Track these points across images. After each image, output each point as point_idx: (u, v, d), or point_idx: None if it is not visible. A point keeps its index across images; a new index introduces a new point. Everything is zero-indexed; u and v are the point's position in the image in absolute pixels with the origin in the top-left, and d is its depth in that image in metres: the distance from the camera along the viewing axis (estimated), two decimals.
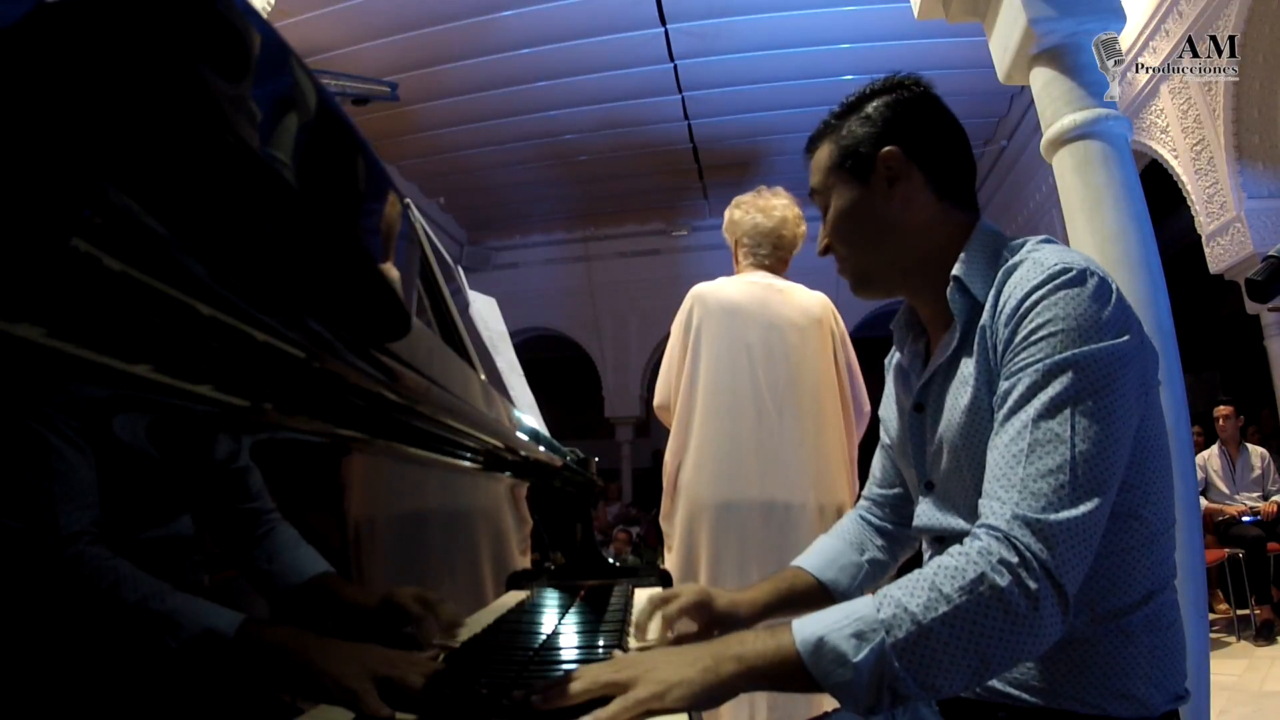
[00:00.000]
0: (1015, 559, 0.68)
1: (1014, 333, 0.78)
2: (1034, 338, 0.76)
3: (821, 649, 0.66)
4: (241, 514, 0.46)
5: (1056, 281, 0.77)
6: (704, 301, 2.04)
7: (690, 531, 1.96)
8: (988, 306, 0.83)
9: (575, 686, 0.65)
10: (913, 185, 0.90)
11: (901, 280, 0.93)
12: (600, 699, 0.65)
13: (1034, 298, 0.77)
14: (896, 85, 0.95)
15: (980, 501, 0.75)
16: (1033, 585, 0.67)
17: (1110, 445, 0.73)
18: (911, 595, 0.68)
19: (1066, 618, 0.69)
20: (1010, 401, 0.76)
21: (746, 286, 2.05)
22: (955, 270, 0.86)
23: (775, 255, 2.11)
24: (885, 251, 0.92)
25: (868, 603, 0.69)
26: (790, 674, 0.67)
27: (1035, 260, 0.81)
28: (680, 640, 0.98)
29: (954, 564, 0.69)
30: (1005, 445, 0.74)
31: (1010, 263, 0.84)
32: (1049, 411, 0.73)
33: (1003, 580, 0.67)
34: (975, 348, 0.83)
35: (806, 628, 0.68)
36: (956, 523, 0.88)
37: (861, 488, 1.20)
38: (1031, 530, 0.69)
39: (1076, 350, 0.74)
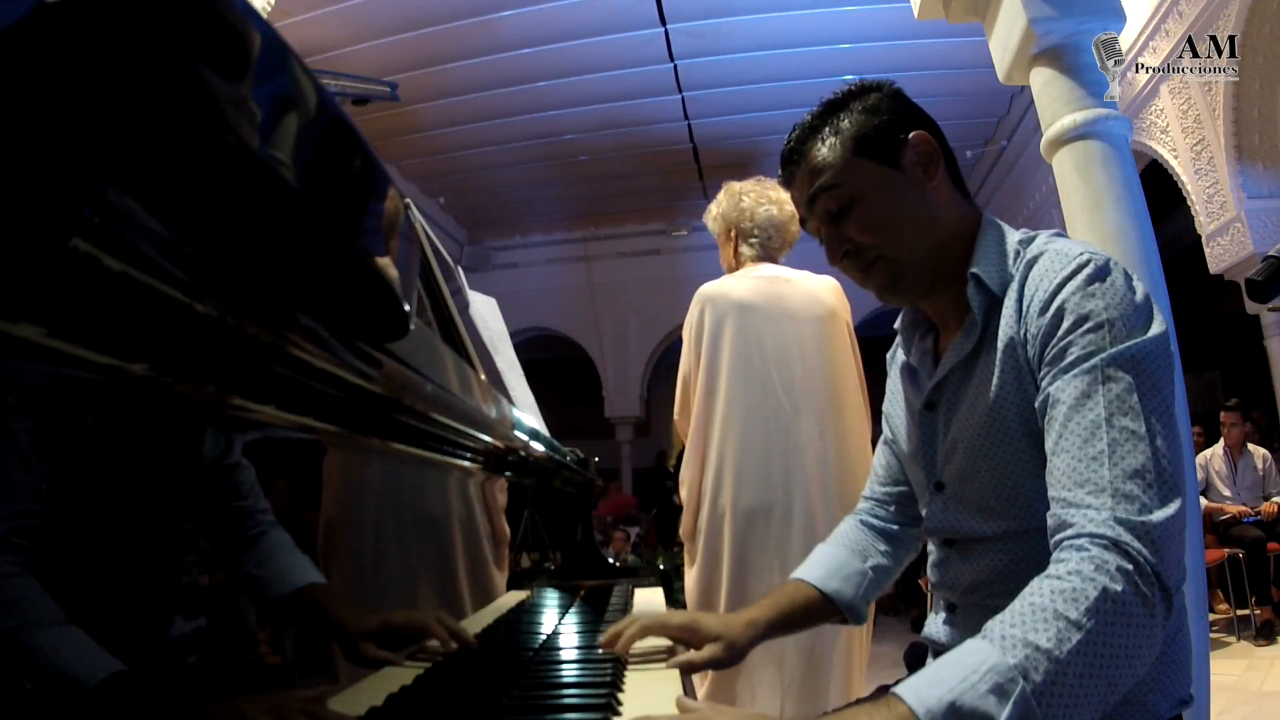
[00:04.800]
0: (1130, 566, 0.65)
1: (1054, 326, 0.76)
2: (1079, 331, 0.74)
3: (958, 714, 0.58)
4: (235, 513, 0.45)
5: (1087, 272, 0.76)
6: (714, 303, 1.95)
7: (712, 540, 1.88)
8: (1010, 301, 0.81)
9: None
10: (941, 172, 0.88)
11: (932, 275, 0.88)
12: None
13: (1067, 289, 0.76)
14: (876, 85, 0.92)
15: (1061, 510, 0.71)
16: (1148, 592, 0.64)
17: (1179, 437, 0.72)
18: (1037, 630, 0.62)
19: (1170, 620, 0.67)
20: (1069, 400, 0.73)
21: (755, 282, 1.95)
22: (974, 268, 0.84)
23: (784, 248, 2.04)
24: (924, 241, 0.87)
25: (989, 650, 0.62)
26: None
27: (1056, 251, 0.80)
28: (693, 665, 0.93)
29: (1070, 585, 0.64)
30: (1079, 448, 0.71)
31: (1028, 256, 0.82)
32: (1122, 409, 0.70)
33: (1124, 592, 0.63)
34: (999, 345, 0.81)
35: (927, 695, 0.60)
36: (970, 524, 0.86)
37: None
38: (1137, 535, 0.66)
39: (1130, 343, 0.72)
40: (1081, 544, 0.67)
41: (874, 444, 2.03)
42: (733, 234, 2.04)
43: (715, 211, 2.07)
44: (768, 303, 1.94)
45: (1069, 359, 0.74)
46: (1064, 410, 0.73)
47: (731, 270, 2.05)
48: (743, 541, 1.86)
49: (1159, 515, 0.67)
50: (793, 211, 1.99)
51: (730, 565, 1.85)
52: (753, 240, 2.01)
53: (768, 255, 2.02)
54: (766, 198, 2.00)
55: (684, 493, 1.98)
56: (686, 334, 2.01)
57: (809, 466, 1.87)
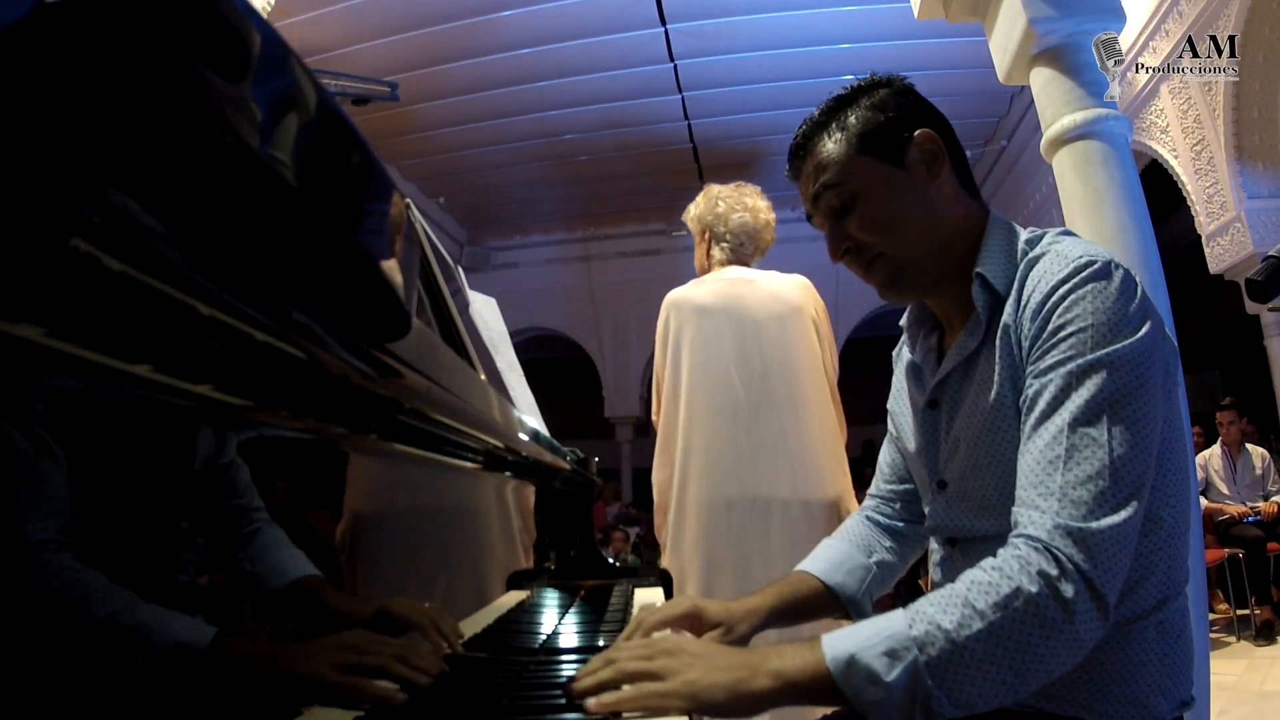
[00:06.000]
0: (1055, 571, 0.66)
1: (1041, 328, 0.76)
2: (1063, 334, 0.74)
3: (853, 667, 0.64)
4: (232, 511, 0.45)
5: (1082, 275, 0.75)
6: (678, 308, 2.03)
7: (678, 539, 1.95)
8: (1010, 301, 0.81)
9: (605, 674, 0.67)
10: (946, 170, 0.88)
11: (936, 274, 0.88)
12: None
13: (1060, 292, 0.76)
14: (886, 80, 0.92)
15: (1015, 509, 0.73)
16: (1070, 596, 0.66)
17: (1145, 447, 0.72)
18: (944, 612, 0.66)
19: (1106, 624, 0.68)
20: (1042, 404, 0.74)
21: (717, 284, 2.02)
22: (979, 267, 0.84)
23: (757, 255, 2.10)
24: (926, 240, 0.86)
25: (899, 619, 0.67)
26: (822, 690, 0.66)
27: (1058, 253, 0.79)
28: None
29: (988, 579, 0.67)
30: (1040, 450, 0.72)
31: (1031, 255, 0.82)
32: (1085, 416, 0.71)
33: (1039, 594, 0.65)
34: (999, 345, 0.81)
35: (837, 645, 0.66)
36: (972, 523, 0.87)
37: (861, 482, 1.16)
38: (1073, 540, 0.67)
39: (1108, 349, 0.72)
40: (1017, 543, 0.70)
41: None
42: (706, 236, 2.10)
43: (693, 213, 2.13)
44: (727, 304, 1.99)
45: (1049, 362, 0.75)
46: (1035, 413, 0.74)
47: (703, 271, 2.11)
48: (707, 539, 1.91)
49: (1103, 523, 0.68)
50: (767, 219, 2.07)
51: (697, 563, 1.90)
52: (724, 244, 2.07)
53: (739, 260, 2.07)
54: (742, 204, 2.06)
55: (655, 495, 2.04)
56: (657, 339, 2.07)
57: (770, 462, 1.91)
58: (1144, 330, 0.74)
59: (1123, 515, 0.69)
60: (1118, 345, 0.73)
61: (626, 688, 0.65)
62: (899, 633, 0.65)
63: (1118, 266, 0.77)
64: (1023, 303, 0.79)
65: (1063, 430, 0.72)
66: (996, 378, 0.81)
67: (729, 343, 1.97)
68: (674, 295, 2.05)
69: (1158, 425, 0.74)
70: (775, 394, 1.94)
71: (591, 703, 0.64)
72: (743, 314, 1.98)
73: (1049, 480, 0.71)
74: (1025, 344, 0.78)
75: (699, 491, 1.93)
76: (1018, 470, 0.75)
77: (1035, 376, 0.76)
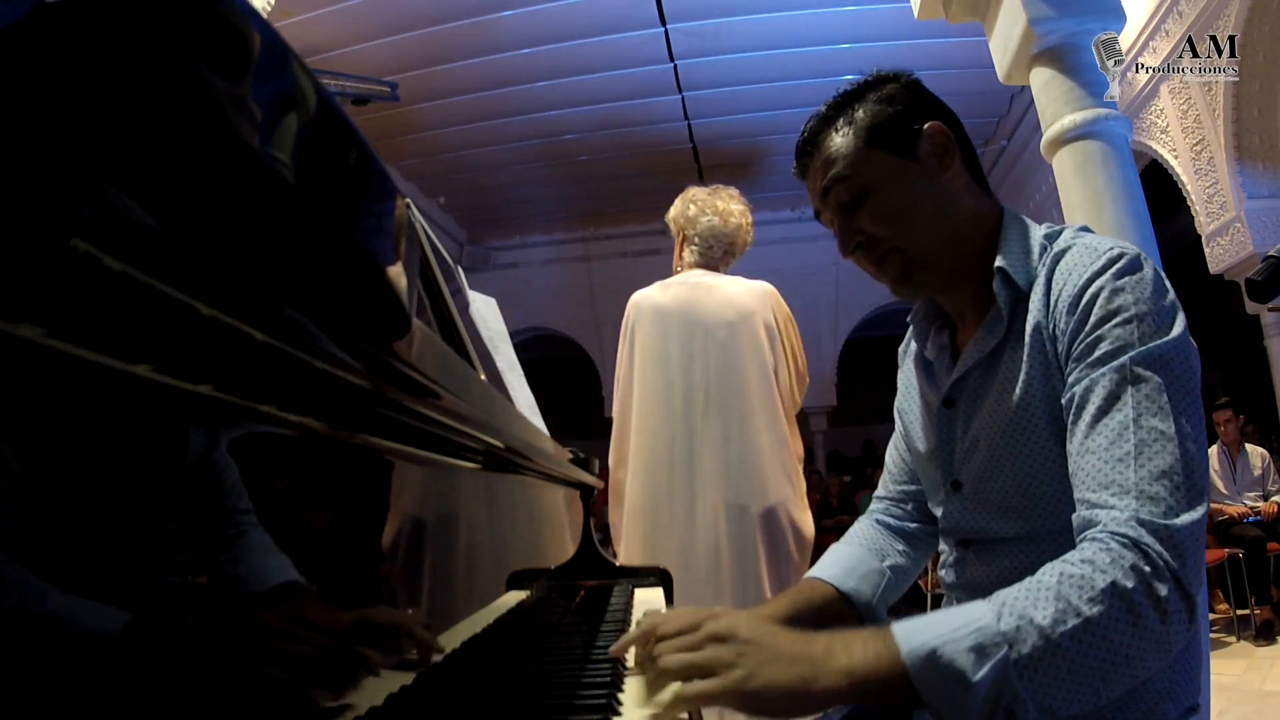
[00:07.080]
0: (1148, 567, 0.62)
1: (1081, 322, 0.75)
2: (1107, 326, 0.73)
3: (935, 663, 0.59)
4: (217, 511, 0.45)
5: (1118, 266, 0.74)
6: (638, 308, 2.07)
7: (626, 538, 2.00)
8: (1036, 296, 0.80)
9: (651, 678, 0.66)
10: (957, 163, 0.86)
11: (949, 268, 0.86)
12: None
13: (1097, 284, 0.74)
14: (893, 75, 0.91)
15: (1085, 512, 0.70)
16: (1164, 595, 0.62)
17: (1204, 441, 0.70)
18: (1037, 606, 0.60)
19: (1193, 628, 0.65)
20: (1098, 400, 0.71)
21: (676, 288, 2.06)
22: (999, 261, 0.82)
23: (727, 258, 2.11)
24: (939, 233, 0.85)
25: (985, 611, 0.61)
26: (890, 688, 0.60)
27: (1085, 245, 0.78)
28: None
29: (1080, 572, 0.62)
30: (1106, 448, 0.69)
31: (1055, 250, 0.81)
32: (1149, 409, 0.69)
33: (1135, 590, 0.61)
34: (1028, 342, 0.79)
35: (915, 638, 0.60)
36: (988, 524, 0.85)
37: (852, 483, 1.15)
38: (1159, 538, 0.64)
39: (1158, 343, 0.71)
40: (1103, 537, 0.65)
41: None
42: (680, 238, 2.13)
43: (670, 214, 2.16)
44: (681, 308, 2.02)
45: (1096, 355, 0.73)
46: (1091, 410, 0.72)
47: (677, 273, 2.15)
48: (648, 537, 1.96)
49: (1184, 519, 0.65)
50: (739, 223, 2.08)
51: (641, 561, 1.93)
52: (694, 247, 2.10)
53: (708, 263, 2.10)
54: (712, 208, 2.08)
55: (610, 490, 2.10)
56: (620, 339, 2.13)
57: (709, 467, 1.94)
58: (1181, 323, 0.73)
59: (1199, 511, 0.66)
60: (1166, 338, 0.71)
61: (666, 691, 0.61)
62: (987, 626, 0.60)
63: (1146, 258, 0.76)
64: (1053, 298, 0.78)
65: (1128, 426, 0.69)
66: (1023, 376, 0.79)
67: (677, 346, 2.00)
68: (636, 296, 2.10)
69: (1203, 418, 0.73)
70: (720, 399, 1.97)
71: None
72: (694, 319, 2.01)
73: (1121, 478, 0.67)
74: (1063, 340, 0.77)
75: (635, 490, 1.98)
76: (1078, 470, 0.72)
77: (1084, 372, 0.73)
